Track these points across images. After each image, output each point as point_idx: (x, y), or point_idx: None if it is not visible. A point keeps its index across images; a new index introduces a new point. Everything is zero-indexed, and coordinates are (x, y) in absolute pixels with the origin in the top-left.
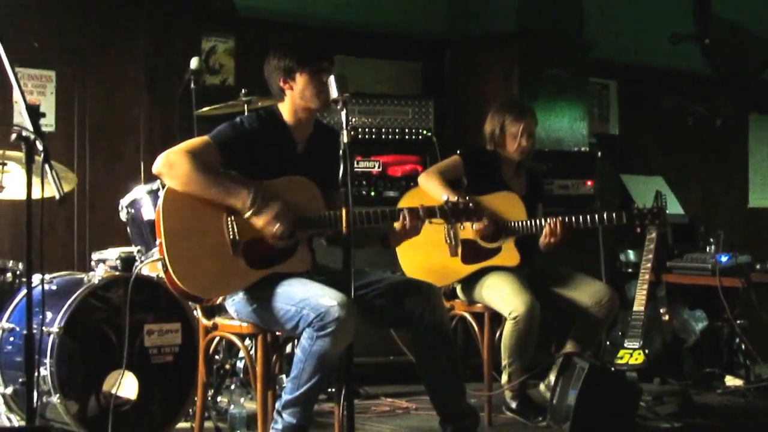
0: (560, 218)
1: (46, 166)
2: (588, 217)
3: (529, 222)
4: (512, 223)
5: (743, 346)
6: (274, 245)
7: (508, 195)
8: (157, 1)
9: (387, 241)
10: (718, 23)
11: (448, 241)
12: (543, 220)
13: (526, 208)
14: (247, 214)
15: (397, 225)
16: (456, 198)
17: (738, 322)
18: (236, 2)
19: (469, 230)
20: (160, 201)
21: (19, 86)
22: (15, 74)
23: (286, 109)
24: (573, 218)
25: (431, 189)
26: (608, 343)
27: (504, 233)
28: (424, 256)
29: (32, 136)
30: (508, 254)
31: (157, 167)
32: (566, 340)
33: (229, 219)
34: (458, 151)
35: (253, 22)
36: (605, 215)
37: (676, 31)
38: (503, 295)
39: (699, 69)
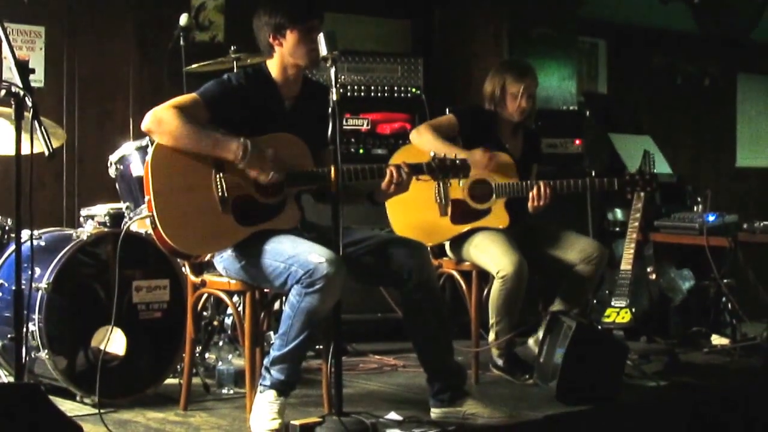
0: (548, 182)
1: (36, 123)
2: (579, 182)
3: (518, 184)
4: (501, 185)
5: (730, 306)
6: (264, 202)
7: (500, 155)
8: None
9: (374, 198)
10: None
11: (438, 200)
12: (534, 183)
13: (521, 169)
14: (241, 165)
15: (384, 181)
16: (443, 154)
17: (725, 281)
18: None
19: (459, 190)
20: (149, 158)
21: (9, 41)
22: (4, 29)
23: (274, 66)
24: (563, 182)
25: (423, 144)
26: (595, 301)
27: (494, 194)
28: (414, 215)
29: (21, 93)
30: (498, 215)
31: (146, 124)
32: (554, 298)
33: (217, 176)
34: (451, 109)
35: None
36: (596, 181)
37: None
38: (491, 255)
39: (688, 28)
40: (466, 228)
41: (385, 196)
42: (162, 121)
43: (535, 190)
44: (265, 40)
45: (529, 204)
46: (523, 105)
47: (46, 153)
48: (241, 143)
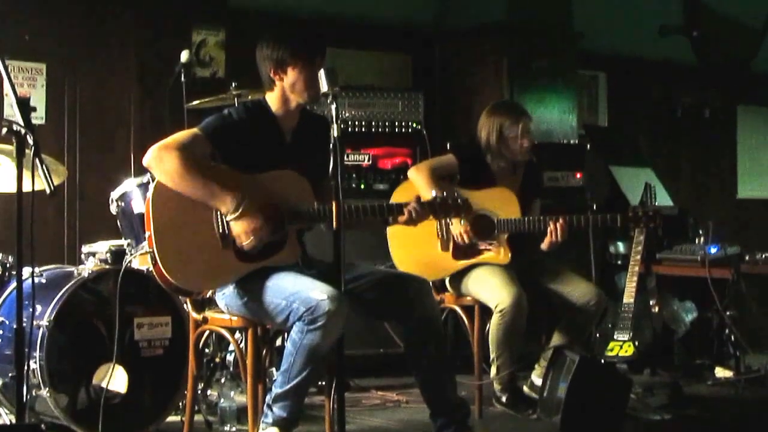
0: (561, 220)
1: (37, 161)
2: (589, 218)
3: (522, 220)
4: (504, 222)
5: (733, 337)
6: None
7: (503, 191)
8: None
9: (388, 222)
10: (707, 14)
11: (440, 235)
12: (542, 220)
13: (521, 202)
14: (228, 218)
15: (403, 219)
16: (443, 193)
17: (728, 313)
18: None
19: (461, 225)
20: (150, 194)
21: (10, 79)
22: (5, 66)
23: (274, 100)
24: (574, 219)
25: (419, 184)
26: (598, 335)
27: (496, 229)
28: (416, 250)
29: (23, 130)
30: (500, 251)
31: (147, 160)
32: (554, 331)
33: (218, 213)
34: (451, 146)
35: (244, 14)
36: (599, 217)
37: (664, 23)
38: (490, 288)
39: (687, 60)
40: (467, 263)
41: (397, 222)
42: (163, 160)
43: (552, 226)
44: (267, 74)
45: (546, 240)
46: (526, 144)
47: (48, 190)
48: (235, 200)
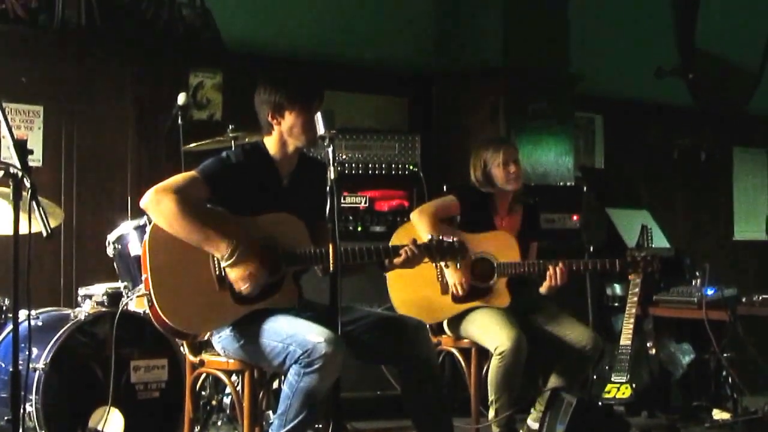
0: (561, 264)
1: (33, 203)
2: (588, 263)
3: (522, 264)
4: (505, 265)
5: (730, 379)
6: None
7: (503, 234)
8: (144, 36)
9: (384, 266)
10: (702, 57)
11: (440, 278)
12: (541, 263)
13: (519, 247)
14: (223, 264)
15: (399, 261)
16: (440, 236)
17: (725, 355)
18: (224, 37)
19: (457, 276)
20: (147, 236)
21: (7, 122)
22: (2, 109)
23: (272, 143)
24: (573, 264)
25: (420, 228)
26: (595, 377)
27: (495, 273)
28: (415, 292)
29: (20, 173)
30: (499, 294)
31: (144, 202)
32: (551, 373)
33: (214, 255)
34: (452, 188)
35: (241, 56)
36: (598, 262)
37: (660, 65)
38: (489, 331)
39: (684, 102)
40: (466, 306)
41: (393, 266)
42: (160, 203)
43: (551, 270)
44: (264, 118)
45: (545, 284)
46: (513, 170)
47: (44, 233)
48: (231, 246)
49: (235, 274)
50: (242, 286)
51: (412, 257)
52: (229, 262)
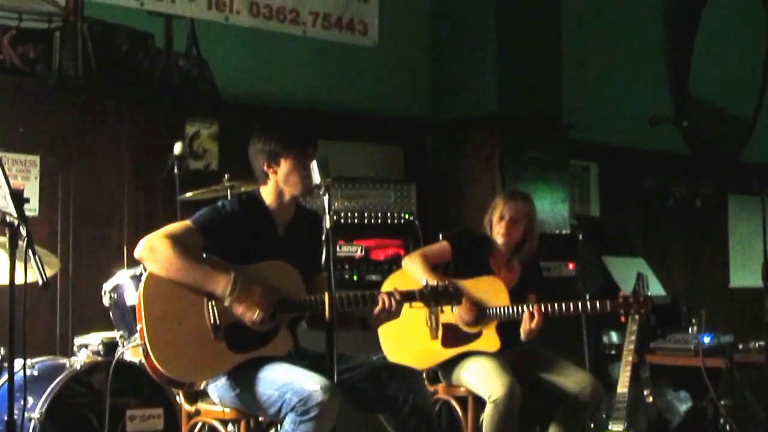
0: (540, 305)
1: (29, 251)
2: (571, 305)
3: (509, 308)
4: (492, 309)
5: (728, 427)
6: (255, 329)
7: (491, 280)
8: (141, 86)
9: (367, 324)
10: (696, 105)
11: (429, 323)
12: (526, 306)
13: (513, 296)
14: (227, 301)
15: (376, 308)
16: (435, 281)
17: (722, 402)
18: (220, 87)
19: (450, 314)
20: (141, 286)
21: (4, 171)
22: None
23: (268, 193)
24: (555, 305)
25: (413, 272)
26: (593, 425)
27: (485, 318)
28: (405, 339)
29: (16, 222)
30: (489, 339)
31: (138, 252)
32: (550, 422)
33: (209, 303)
34: (444, 235)
35: (237, 106)
36: (589, 304)
37: (654, 113)
38: (482, 378)
39: (678, 150)
40: (457, 352)
41: (377, 322)
42: (154, 249)
43: (526, 314)
44: (260, 167)
45: (522, 328)
46: (504, 227)
47: (40, 281)
48: (231, 279)
49: (240, 307)
50: (253, 315)
51: (389, 306)
52: (233, 295)
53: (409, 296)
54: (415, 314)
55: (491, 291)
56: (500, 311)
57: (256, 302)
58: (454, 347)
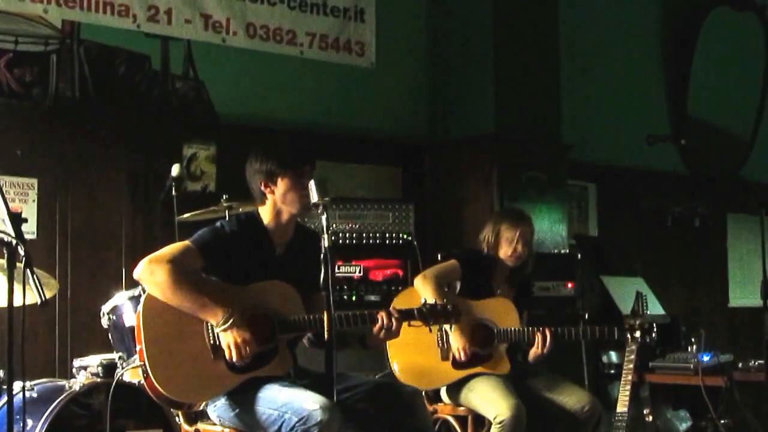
0: (552, 329)
1: (28, 271)
2: (580, 330)
3: (521, 330)
4: (501, 331)
5: None
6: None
7: (502, 301)
8: (138, 109)
9: (365, 343)
10: (693, 124)
11: (440, 344)
12: (540, 330)
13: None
14: (217, 330)
15: (375, 327)
16: (434, 300)
17: (722, 421)
18: (217, 109)
19: (460, 341)
20: (140, 307)
21: (2, 194)
22: None
23: (266, 213)
24: (564, 330)
25: (425, 293)
26: None
27: (495, 339)
28: (415, 358)
29: (14, 242)
30: (500, 361)
31: (137, 273)
32: None
33: (208, 324)
34: (443, 255)
35: (234, 128)
36: (597, 329)
37: (652, 133)
38: (489, 399)
39: (676, 169)
40: (466, 373)
41: (376, 340)
42: (154, 273)
43: (539, 338)
44: (257, 188)
45: (532, 351)
46: (519, 250)
47: (39, 300)
48: (227, 314)
49: (226, 341)
50: (233, 353)
51: (388, 324)
52: (223, 327)
53: (407, 314)
54: (426, 333)
55: (502, 312)
56: (512, 333)
57: (239, 344)
58: (465, 369)
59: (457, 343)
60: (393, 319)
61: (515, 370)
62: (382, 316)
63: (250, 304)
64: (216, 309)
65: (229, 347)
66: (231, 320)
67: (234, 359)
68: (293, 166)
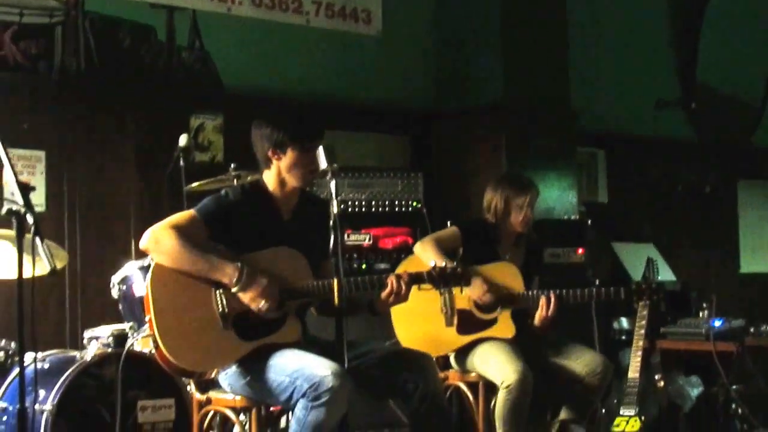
0: (556, 292)
1: (37, 239)
2: (586, 291)
3: (528, 293)
4: (511, 294)
5: (740, 412)
6: (264, 316)
7: (507, 266)
8: (144, 80)
9: (374, 308)
10: (703, 90)
11: (444, 310)
12: (544, 293)
13: (523, 278)
14: (234, 290)
15: (384, 292)
16: (444, 263)
17: (734, 387)
18: (224, 80)
19: (465, 300)
20: (149, 277)
21: (11, 165)
22: (6, 153)
23: (271, 178)
24: (569, 292)
25: (425, 257)
26: (603, 410)
27: (500, 304)
28: (420, 326)
29: (22, 210)
30: (504, 326)
31: (143, 243)
32: (561, 406)
33: (217, 292)
34: (454, 222)
35: (241, 99)
36: (602, 290)
37: (661, 97)
38: (495, 364)
39: (686, 136)
40: (472, 339)
41: (384, 306)
42: (159, 241)
43: (543, 300)
44: (264, 152)
45: (537, 315)
46: (528, 215)
47: (48, 267)
48: (237, 268)
49: (248, 297)
50: (260, 304)
51: (398, 289)
52: (239, 285)
53: (417, 278)
54: (429, 300)
55: (507, 277)
56: (516, 297)
57: (262, 291)
58: (469, 334)
59: (476, 292)
60: (402, 283)
61: (522, 335)
62: (391, 280)
63: (258, 270)
64: (225, 267)
65: (253, 300)
66: (244, 275)
67: (263, 309)
68: (303, 140)
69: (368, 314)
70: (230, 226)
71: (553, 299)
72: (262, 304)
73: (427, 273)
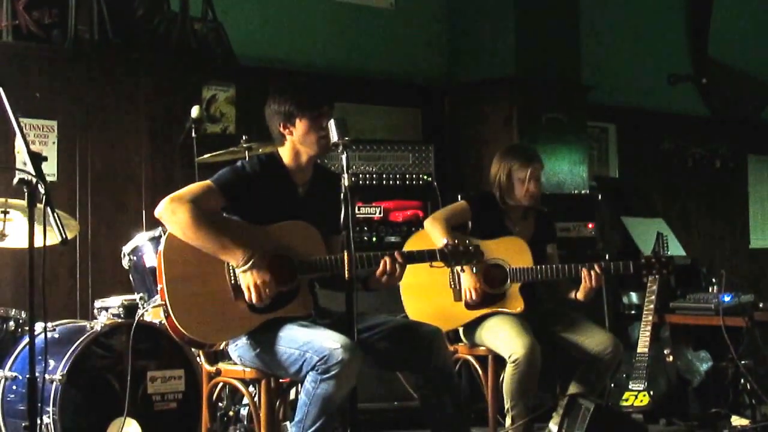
0: (597, 267)
1: (48, 209)
2: (595, 265)
3: (534, 269)
4: (517, 270)
5: (749, 386)
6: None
7: (515, 240)
8: (158, 51)
9: (368, 285)
10: (715, 65)
11: (452, 285)
12: (557, 269)
13: (533, 252)
14: (239, 271)
15: (377, 271)
16: (455, 241)
17: (743, 362)
18: (236, 51)
19: (471, 281)
20: (161, 246)
21: (23, 134)
22: (18, 122)
23: (286, 153)
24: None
25: (434, 234)
26: (613, 385)
27: (509, 279)
28: (428, 300)
29: (34, 180)
30: (513, 300)
31: (159, 211)
32: (570, 382)
33: (230, 264)
34: (463, 196)
35: (253, 70)
36: (612, 265)
37: (673, 72)
38: (503, 338)
39: (697, 111)
40: (480, 313)
41: (378, 284)
42: (175, 212)
43: (586, 273)
44: (276, 129)
45: (582, 287)
46: (532, 189)
47: (59, 237)
48: (247, 254)
49: (246, 282)
50: (252, 295)
51: (391, 270)
52: (243, 268)
53: (430, 255)
54: (438, 275)
55: (514, 251)
56: (524, 272)
57: (262, 283)
58: (478, 309)
59: (467, 283)
60: (396, 265)
61: (532, 310)
62: (385, 260)
63: (271, 244)
64: (236, 250)
65: (248, 288)
66: (251, 261)
67: (253, 300)
68: (311, 107)
69: (361, 290)
70: (246, 197)
71: (597, 271)
72: (254, 296)
73: (440, 251)
